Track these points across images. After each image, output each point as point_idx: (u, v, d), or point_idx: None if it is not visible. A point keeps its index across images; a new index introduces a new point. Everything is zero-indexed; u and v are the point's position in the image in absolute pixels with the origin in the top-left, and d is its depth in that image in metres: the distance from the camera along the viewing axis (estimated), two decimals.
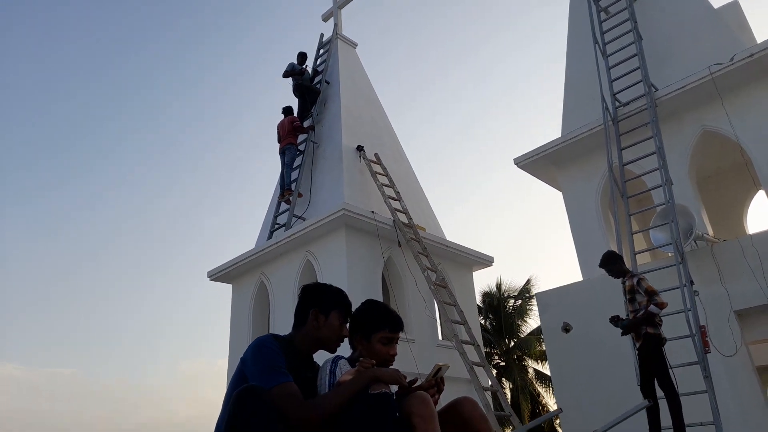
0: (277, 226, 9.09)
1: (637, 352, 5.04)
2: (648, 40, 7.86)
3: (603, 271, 5.30)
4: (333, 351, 2.23)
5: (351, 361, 2.19)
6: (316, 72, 10.77)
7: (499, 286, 21.20)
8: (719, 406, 5.11)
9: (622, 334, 4.98)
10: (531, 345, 19.75)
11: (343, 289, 2.29)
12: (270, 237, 8.95)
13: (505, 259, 49.02)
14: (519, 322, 20.73)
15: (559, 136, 8.38)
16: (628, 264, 5.81)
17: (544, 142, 8.38)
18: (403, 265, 8.30)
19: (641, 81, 7.35)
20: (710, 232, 6.89)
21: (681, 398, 4.68)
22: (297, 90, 10.10)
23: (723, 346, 5.90)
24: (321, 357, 2.18)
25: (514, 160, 8.67)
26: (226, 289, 9.76)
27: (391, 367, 2.17)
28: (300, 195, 9.11)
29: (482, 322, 20.26)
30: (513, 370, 19.29)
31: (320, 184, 9.06)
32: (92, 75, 44.73)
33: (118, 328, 43.35)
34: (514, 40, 64.46)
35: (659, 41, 7.97)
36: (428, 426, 1.85)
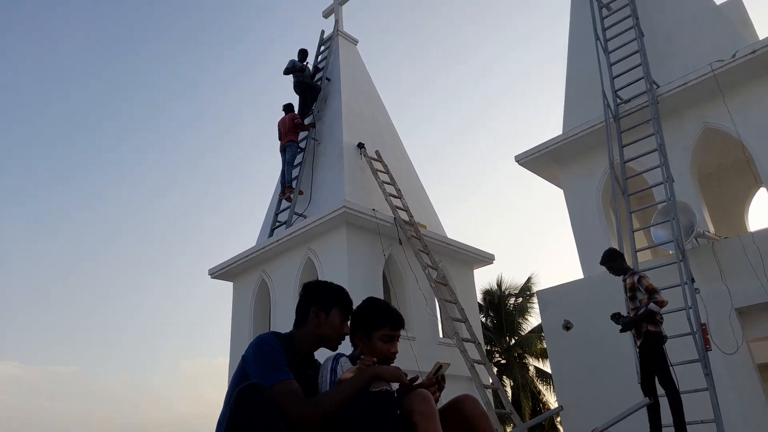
0: (278, 223, 9.09)
1: (638, 349, 5.04)
2: (649, 37, 7.84)
3: (604, 268, 5.30)
4: (334, 349, 2.22)
5: (352, 358, 2.18)
6: (317, 69, 10.75)
7: (499, 284, 21.21)
8: (720, 403, 5.11)
9: (621, 330, 4.98)
10: (532, 343, 19.76)
11: (344, 287, 2.29)
12: (271, 235, 8.95)
13: (506, 257, 49.05)
14: (520, 320, 20.74)
15: (561, 133, 8.37)
16: (629, 262, 5.81)
17: (545, 140, 8.38)
18: (404, 262, 8.30)
19: (643, 78, 7.33)
20: (711, 229, 6.88)
21: (682, 396, 4.68)
22: (298, 87, 10.09)
23: (724, 344, 5.90)
24: (322, 355, 2.18)
25: (515, 157, 8.66)
26: (227, 287, 9.77)
27: (392, 364, 2.16)
28: (301, 192, 9.11)
29: (483, 319, 20.27)
30: (514, 367, 19.31)
31: (321, 181, 9.05)
32: (92, 74, 44.72)
33: (118, 327, 43.44)
34: (516, 38, 64.36)
35: (661, 38, 7.95)
36: (429, 424, 1.85)
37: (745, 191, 8.88)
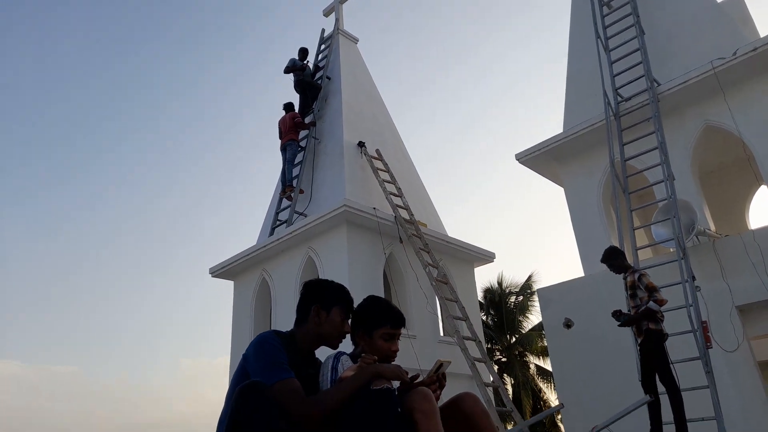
0: (278, 222, 9.09)
1: (638, 347, 5.04)
2: (650, 35, 7.83)
3: (604, 266, 5.30)
4: (335, 347, 2.23)
5: (353, 357, 2.19)
6: (317, 68, 10.75)
7: (500, 282, 21.21)
8: (721, 401, 5.11)
9: (620, 325, 5.00)
10: (532, 341, 19.77)
11: (345, 286, 2.30)
12: (271, 233, 8.96)
13: (506, 255, 49.05)
14: (520, 318, 20.74)
15: (561, 131, 8.37)
16: (629, 260, 5.81)
17: (546, 138, 8.37)
18: (405, 261, 8.30)
19: (643, 76, 7.32)
20: (712, 227, 6.87)
21: (682, 393, 4.69)
22: (298, 86, 10.09)
23: (725, 342, 5.90)
24: (323, 353, 2.18)
25: (516, 155, 8.65)
26: (228, 286, 9.79)
27: (392, 363, 2.17)
28: (301, 191, 9.11)
29: (484, 318, 20.28)
30: (514, 365, 19.32)
31: (321, 180, 9.06)
32: (92, 74, 44.72)
33: (119, 326, 43.49)
34: (516, 36, 64.29)
35: (661, 36, 7.94)
36: (430, 422, 1.86)
37: (746, 189, 8.88)
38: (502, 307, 20.70)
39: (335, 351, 2.21)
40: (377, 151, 9.33)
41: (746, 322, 6.18)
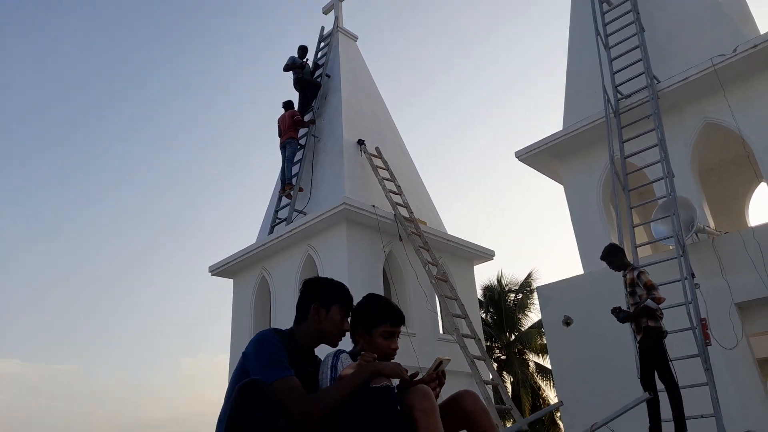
0: (278, 220, 9.09)
1: (637, 345, 5.05)
2: (650, 32, 7.82)
3: (604, 264, 5.30)
4: (334, 345, 2.23)
5: (352, 355, 2.19)
6: (316, 65, 10.73)
7: (500, 280, 21.22)
8: (720, 398, 5.12)
9: (620, 321, 5.01)
10: (532, 338, 19.79)
11: (344, 284, 2.29)
12: (271, 232, 8.95)
13: (506, 253, 49.12)
14: (520, 316, 20.76)
15: (561, 128, 8.36)
16: (629, 257, 5.81)
17: (546, 135, 8.36)
18: (404, 259, 8.30)
19: (643, 73, 7.31)
20: (711, 224, 6.88)
21: (681, 391, 4.69)
22: (297, 84, 10.07)
23: (724, 339, 5.91)
24: (323, 351, 2.18)
25: (516, 153, 8.65)
26: (227, 284, 9.79)
27: (392, 360, 2.17)
28: (301, 189, 9.10)
29: (483, 315, 20.30)
30: (514, 363, 19.34)
31: (321, 178, 9.05)
32: (92, 72, 44.65)
33: (119, 325, 43.52)
34: (516, 33, 64.21)
35: (662, 33, 7.93)
36: (429, 419, 1.86)
37: (746, 186, 8.88)
38: (502, 304, 20.72)
39: (335, 349, 2.21)
40: (377, 148, 9.32)
41: (745, 320, 6.19)
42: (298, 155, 9.44)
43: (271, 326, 5.32)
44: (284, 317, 8.11)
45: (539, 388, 19.56)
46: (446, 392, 2.16)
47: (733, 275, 6.16)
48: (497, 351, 20.29)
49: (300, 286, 2.30)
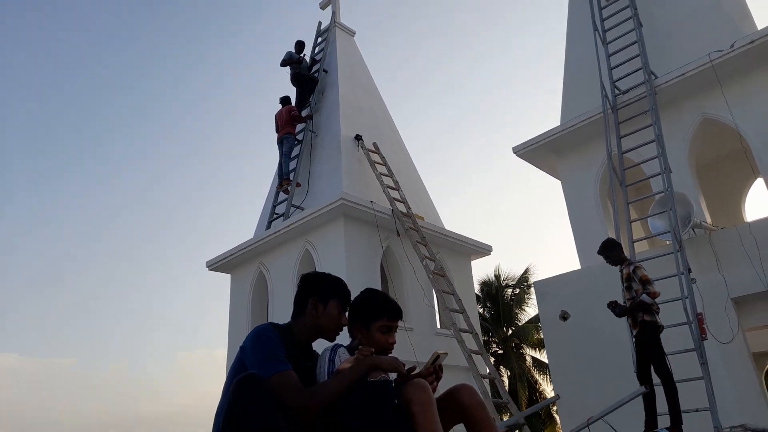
0: (275, 215, 9.08)
1: (634, 339, 5.07)
2: (648, 27, 7.80)
3: (601, 259, 5.32)
4: (332, 339, 2.23)
5: (350, 349, 2.19)
6: (314, 61, 10.69)
7: (497, 275, 21.28)
8: (715, 392, 5.15)
9: (617, 315, 5.04)
10: (529, 333, 19.86)
11: (342, 279, 2.30)
12: (268, 227, 8.94)
13: (503, 248, 49.18)
14: (517, 311, 20.84)
15: (558, 124, 8.36)
16: (626, 252, 5.82)
17: (543, 131, 8.36)
18: (402, 254, 8.31)
19: (641, 68, 7.31)
20: (708, 220, 6.89)
21: (677, 385, 4.72)
22: (295, 79, 10.04)
23: (720, 333, 5.93)
24: (320, 346, 2.18)
25: (513, 148, 8.64)
26: (225, 279, 9.79)
27: (389, 355, 2.17)
28: (298, 185, 9.09)
29: (480, 310, 20.36)
30: (511, 358, 19.42)
31: (318, 173, 9.03)
32: (90, 63, 44.41)
33: (116, 319, 43.51)
34: (514, 28, 64.04)
35: (659, 28, 7.92)
36: (427, 413, 1.87)
37: (743, 182, 8.90)
38: (499, 299, 20.78)
39: (332, 343, 2.21)
40: (374, 144, 9.31)
41: (741, 314, 6.22)
42: (296, 150, 9.42)
43: (269, 321, 5.33)
44: (282, 312, 8.12)
45: (536, 382, 19.65)
46: (443, 386, 2.16)
47: (729, 270, 6.19)
48: (494, 345, 20.36)
49: (297, 281, 2.31)
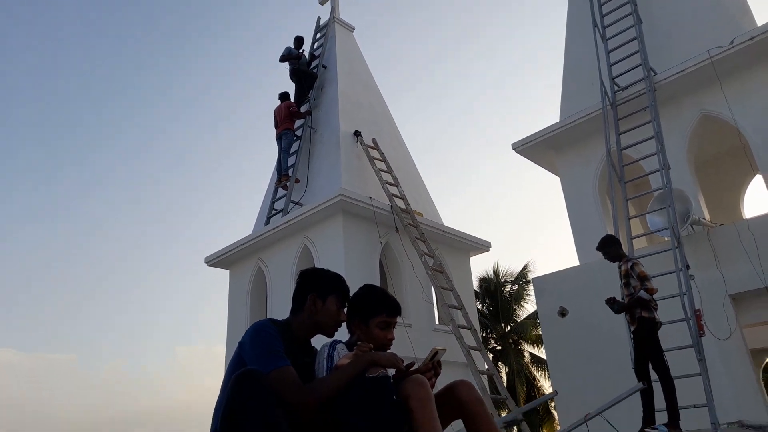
0: (274, 211, 9.07)
1: (632, 335, 5.08)
2: (648, 24, 7.79)
3: (600, 255, 5.32)
4: (331, 335, 2.23)
5: (349, 345, 2.19)
6: (313, 56, 10.66)
7: (496, 272, 21.32)
8: (713, 388, 5.15)
9: (615, 312, 5.05)
10: (527, 329, 19.90)
11: (341, 275, 2.29)
12: (267, 223, 8.94)
13: (502, 245, 49.25)
14: (515, 307, 20.88)
15: (558, 120, 8.35)
16: (624, 248, 5.83)
17: (543, 127, 8.35)
18: (401, 250, 8.31)
19: (640, 65, 7.30)
20: (707, 216, 6.90)
21: (675, 381, 4.73)
22: (294, 75, 10.01)
23: (718, 330, 5.95)
24: (319, 342, 2.18)
25: (512, 145, 8.63)
26: (224, 275, 9.78)
27: (388, 351, 2.17)
28: (297, 180, 9.08)
29: (479, 306, 20.40)
30: (509, 354, 19.46)
31: (317, 169, 9.02)
32: (90, 60, 44.25)
33: (115, 315, 43.53)
34: (514, 25, 63.91)
35: (659, 25, 7.90)
36: (425, 409, 1.87)
37: (741, 178, 8.91)
38: (498, 296, 20.82)
39: (331, 339, 2.21)
40: (373, 140, 9.30)
41: (739, 311, 6.23)
42: (295, 146, 9.40)
43: (268, 317, 5.33)
44: (280, 308, 8.12)
45: (534, 378, 19.71)
46: (442, 382, 2.17)
47: (727, 267, 6.20)
48: (493, 342, 20.41)
49: (296, 277, 2.30)
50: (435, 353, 2.11)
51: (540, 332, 15.79)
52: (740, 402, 5.83)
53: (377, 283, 7.72)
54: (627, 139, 7.15)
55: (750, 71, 6.85)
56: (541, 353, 19.23)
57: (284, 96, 9.78)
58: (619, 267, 5.13)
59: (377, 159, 8.92)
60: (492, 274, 21.29)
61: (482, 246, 9.90)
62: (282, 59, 10.05)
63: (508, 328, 20.62)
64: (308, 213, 7.97)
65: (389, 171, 8.88)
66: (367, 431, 1.84)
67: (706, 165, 8.86)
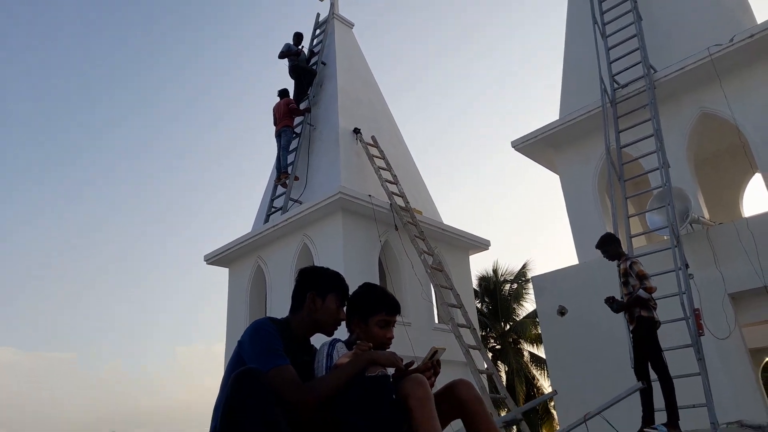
0: (273, 209, 9.06)
1: (631, 334, 5.08)
2: (648, 22, 7.77)
3: (599, 254, 5.32)
4: (330, 334, 2.22)
5: (348, 344, 2.18)
6: (312, 53, 10.63)
7: (495, 270, 21.30)
8: (712, 388, 5.15)
9: (614, 311, 5.05)
10: (526, 328, 19.90)
11: (340, 273, 2.28)
12: (266, 221, 8.92)
13: (501, 243, 49.32)
14: (515, 306, 20.87)
15: (557, 118, 8.34)
16: (624, 247, 5.82)
17: (542, 125, 8.34)
18: (400, 248, 8.30)
19: (640, 62, 7.29)
20: (706, 215, 6.90)
21: (674, 380, 4.72)
22: (293, 71, 9.98)
23: (717, 329, 5.95)
24: (318, 340, 2.17)
25: (512, 143, 8.62)
26: (223, 273, 9.77)
27: (387, 350, 2.17)
28: (296, 178, 9.06)
29: (478, 305, 20.39)
30: (508, 353, 19.46)
31: (317, 167, 9.00)
32: (89, 57, 44.16)
33: (114, 314, 43.52)
34: (514, 22, 63.86)
35: (659, 22, 7.89)
36: (424, 408, 1.86)
37: (740, 177, 8.90)
38: (497, 294, 20.81)
39: (330, 338, 2.21)
40: (373, 137, 9.28)
41: (738, 310, 6.23)
42: (294, 144, 9.38)
43: (267, 315, 5.32)
44: (280, 306, 8.11)
45: (533, 377, 19.72)
46: (441, 381, 2.16)
47: (726, 266, 6.19)
48: (492, 340, 20.41)
49: (296, 275, 2.29)
50: (434, 352, 2.11)
51: (539, 331, 15.81)
52: (739, 401, 5.83)
53: (376, 282, 7.70)
54: (626, 137, 7.14)
55: (750, 69, 6.85)
56: (541, 352, 19.24)
57: (283, 93, 9.75)
58: (618, 266, 5.12)
59: (377, 156, 8.91)
60: (491, 273, 21.29)
61: (481, 244, 9.90)
62: (281, 56, 10.02)
63: (508, 327, 20.63)
64: (307, 211, 7.95)
65: (389, 169, 8.86)
66: (366, 430, 1.84)
67: (705, 163, 8.85)
